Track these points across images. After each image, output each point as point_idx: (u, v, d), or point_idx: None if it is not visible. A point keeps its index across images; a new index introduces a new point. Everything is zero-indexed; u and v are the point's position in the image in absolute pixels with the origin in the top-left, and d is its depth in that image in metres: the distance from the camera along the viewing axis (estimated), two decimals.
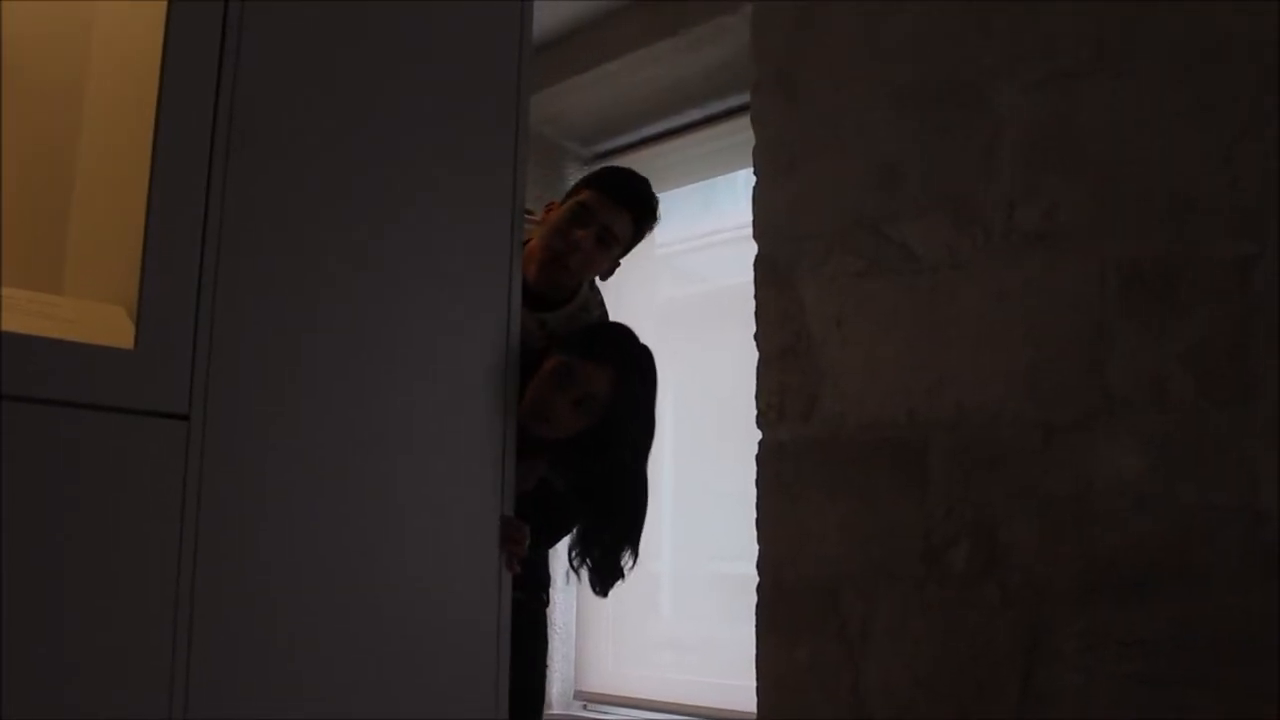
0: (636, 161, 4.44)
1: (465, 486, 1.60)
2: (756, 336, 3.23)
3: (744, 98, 3.67)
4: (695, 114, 4.19)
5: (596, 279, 2.47)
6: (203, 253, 1.34)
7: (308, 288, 1.46)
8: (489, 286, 1.70)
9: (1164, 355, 2.50)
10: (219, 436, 1.33)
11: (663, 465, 3.64)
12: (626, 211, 2.30)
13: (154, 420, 1.29)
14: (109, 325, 1.33)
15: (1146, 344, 2.53)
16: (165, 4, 1.36)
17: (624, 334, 2.24)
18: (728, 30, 3.70)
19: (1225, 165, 2.46)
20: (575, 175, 4.60)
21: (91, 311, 1.37)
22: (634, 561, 2.35)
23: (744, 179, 3.44)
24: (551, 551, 4.25)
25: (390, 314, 1.54)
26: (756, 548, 3.15)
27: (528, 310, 2.03)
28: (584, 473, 2.22)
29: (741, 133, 3.66)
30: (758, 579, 3.14)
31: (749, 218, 3.30)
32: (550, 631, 4.20)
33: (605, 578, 2.32)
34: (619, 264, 2.44)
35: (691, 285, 4.15)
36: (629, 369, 2.16)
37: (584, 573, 2.33)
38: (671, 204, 4.37)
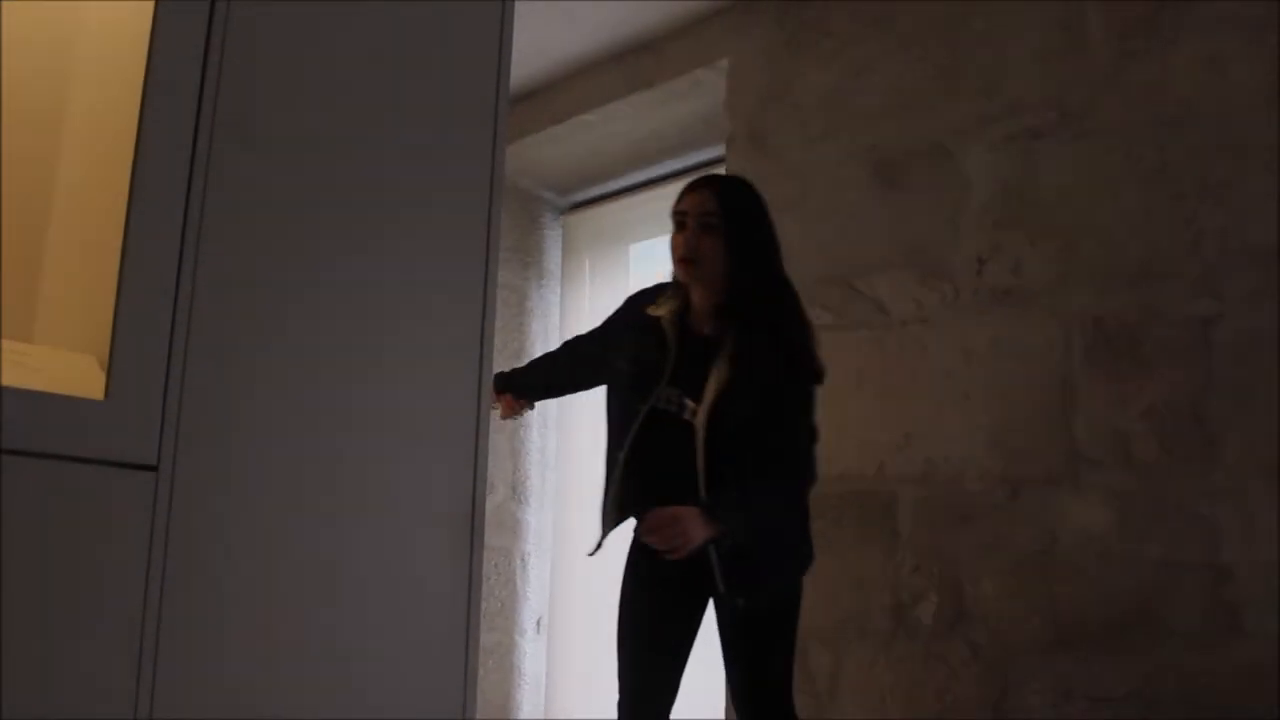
0: (611, 212, 4.48)
1: (436, 548, 1.60)
2: None
3: (718, 151, 3.73)
4: (670, 166, 4.23)
5: None
6: (176, 303, 1.35)
7: (281, 341, 1.46)
8: (463, 339, 1.71)
9: (1128, 413, 2.53)
10: (187, 488, 1.32)
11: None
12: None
13: (122, 471, 1.29)
14: (79, 375, 1.33)
15: (1111, 402, 2.57)
16: (145, 54, 1.37)
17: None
18: (703, 85, 3.75)
19: (1186, 226, 2.51)
20: (551, 225, 4.64)
21: (62, 361, 1.37)
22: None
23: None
24: (520, 598, 4.24)
25: (363, 370, 1.55)
26: None
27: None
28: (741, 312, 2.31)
29: None
30: None
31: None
32: (519, 679, 4.19)
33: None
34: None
35: None
36: (726, 183, 2.50)
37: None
38: (646, 254, 4.43)
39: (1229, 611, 2.34)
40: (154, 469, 1.30)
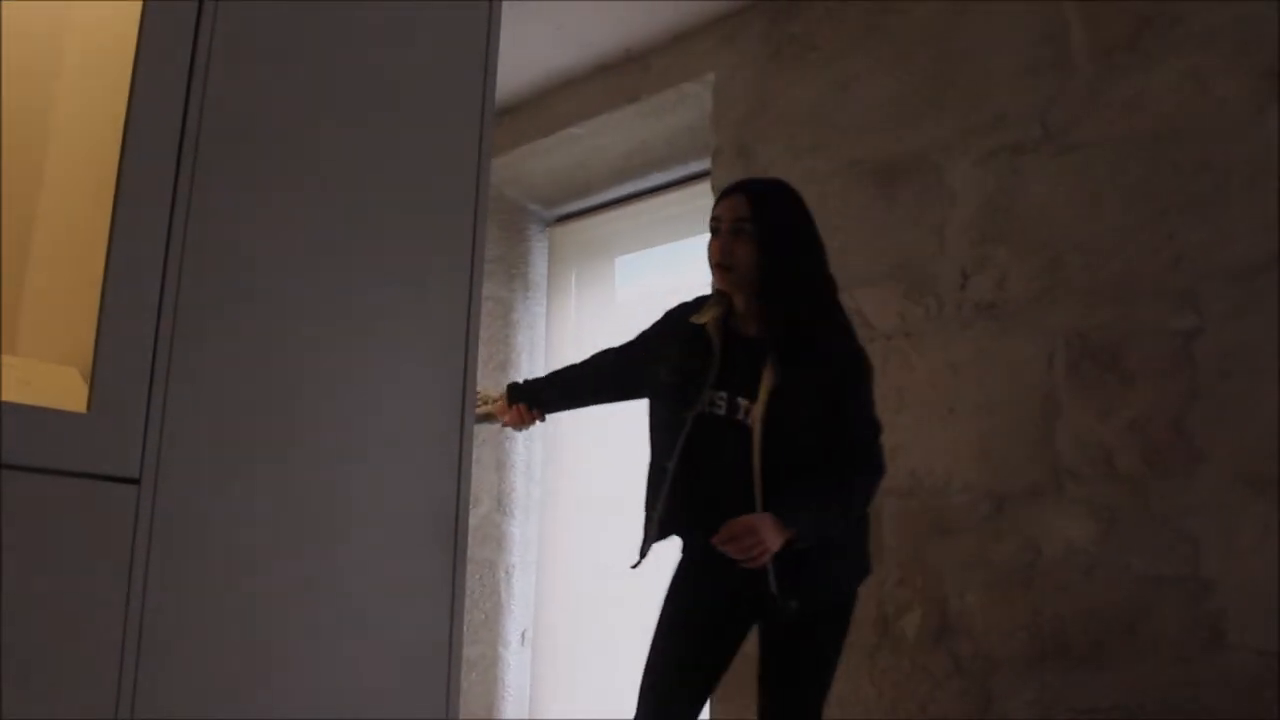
0: (597, 224, 4.49)
1: (418, 562, 1.60)
2: None
3: (705, 164, 3.74)
4: (657, 179, 4.24)
5: None
6: (159, 316, 1.35)
7: (264, 354, 1.46)
8: (446, 350, 1.71)
9: (1111, 427, 2.55)
10: (169, 501, 1.32)
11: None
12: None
13: (104, 484, 1.28)
14: (62, 387, 1.33)
15: (1094, 416, 2.58)
16: (130, 70, 1.37)
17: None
18: (690, 98, 3.77)
19: (1169, 242, 2.53)
20: (537, 236, 4.64)
21: (45, 373, 1.37)
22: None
23: (706, 243, 3.48)
24: (505, 610, 4.23)
25: (346, 381, 1.55)
26: None
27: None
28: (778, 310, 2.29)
29: (703, 198, 3.71)
30: None
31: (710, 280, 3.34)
32: (503, 691, 4.18)
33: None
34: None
35: None
36: (758, 187, 2.46)
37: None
38: (634, 265, 4.44)
39: (1211, 624, 2.35)
40: (136, 482, 1.30)
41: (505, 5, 2.41)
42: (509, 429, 2.71)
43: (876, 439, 2.33)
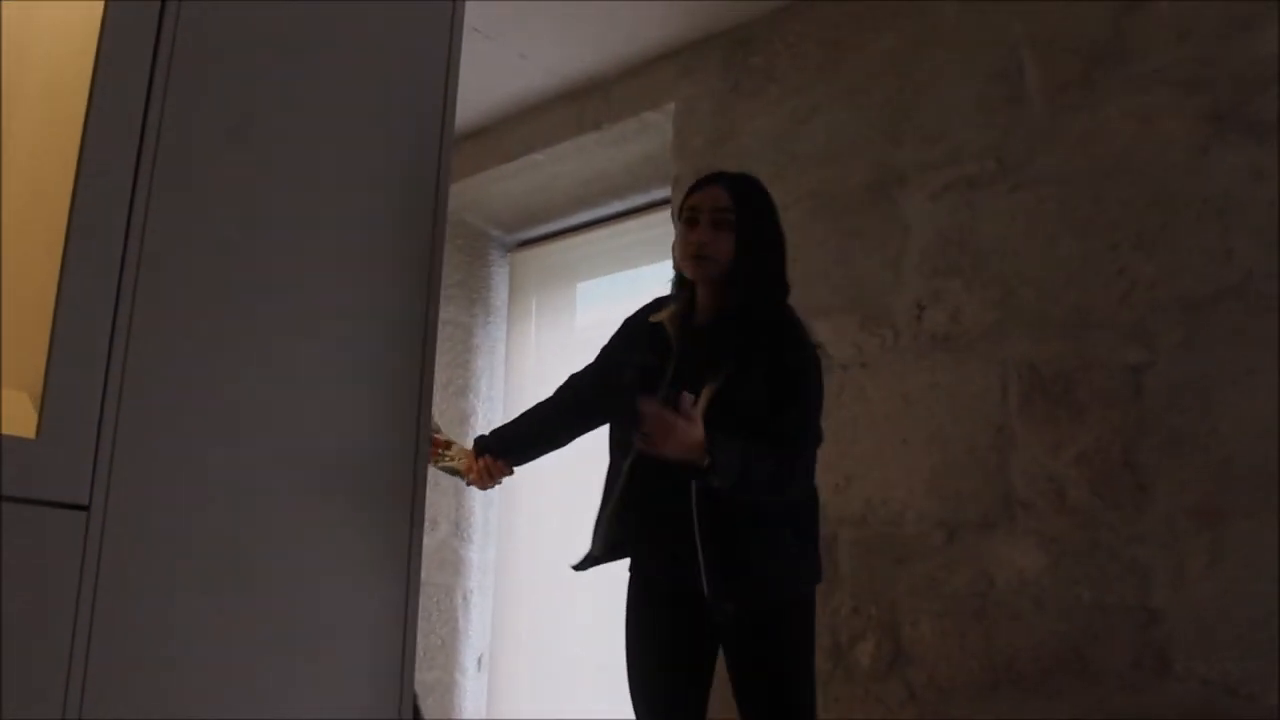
0: (558, 250, 4.51)
1: (370, 585, 1.59)
2: None
3: (665, 192, 3.76)
4: (617, 206, 4.26)
5: None
6: (111, 343, 1.34)
7: (216, 381, 1.46)
8: (402, 374, 1.71)
9: (1062, 458, 2.58)
10: (118, 529, 1.31)
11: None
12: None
13: (53, 511, 1.27)
14: (12, 413, 1.32)
15: (1045, 447, 2.61)
16: (85, 101, 1.37)
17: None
18: (651, 127, 3.80)
19: (1119, 276, 2.57)
20: (498, 262, 4.65)
21: None
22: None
23: (666, 270, 3.50)
24: (461, 635, 4.21)
25: (299, 409, 1.54)
26: None
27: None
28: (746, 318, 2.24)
29: (662, 226, 3.74)
30: None
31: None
32: (459, 717, 4.14)
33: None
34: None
35: None
36: (737, 179, 2.40)
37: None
38: (594, 291, 4.45)
39: (1159, 654, 2.38)
40: (85, 509, 1.29)
41: (468, 31, 2.43)
42: (473, 486, 2.60)
43: (811, 449, 2.27)
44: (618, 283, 4.30)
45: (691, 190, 2.40)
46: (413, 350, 1.71)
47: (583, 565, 2.39)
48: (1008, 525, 2.63)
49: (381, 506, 1.61)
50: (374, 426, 1.63)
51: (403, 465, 1.65)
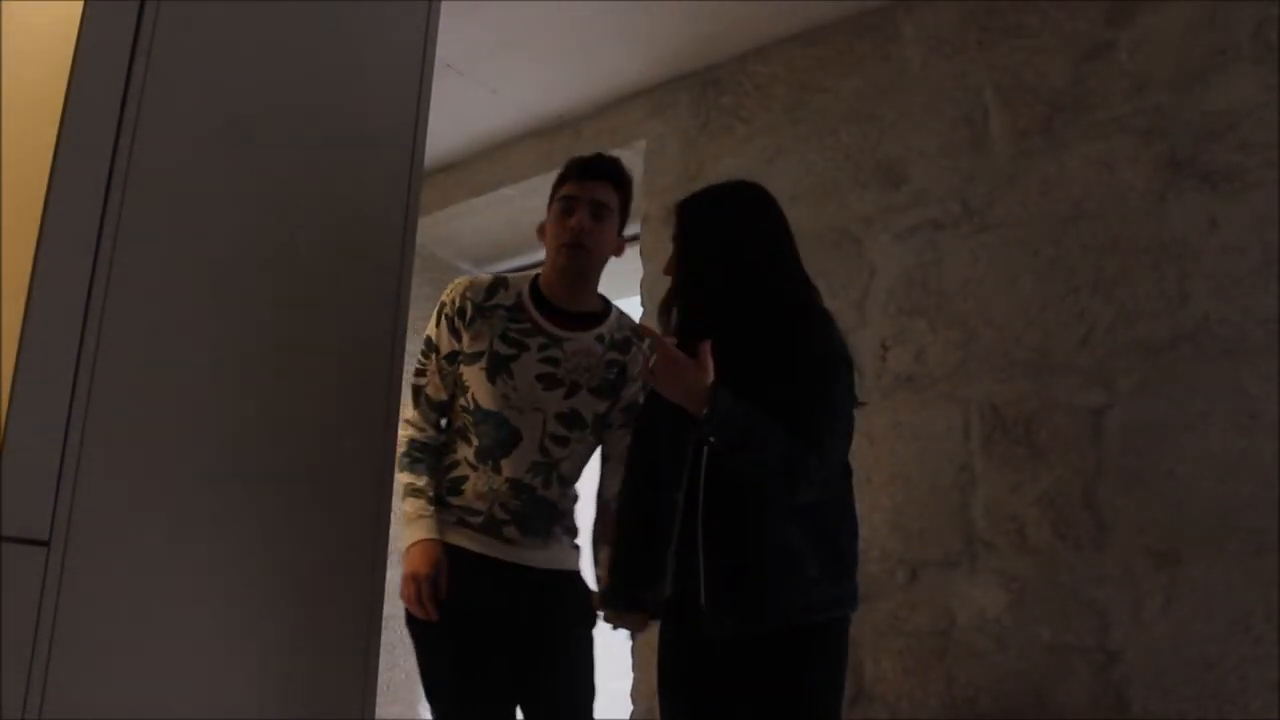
0: None
1: (330, 616, 1.59)
2: None
3: (634, 229, 3.78)
4: None
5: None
6: (75, 380, 1.34)
7: (177, 418, 1.46)
8: (365, 408, 1.72)
9: (1022, 499, 2.61)
10: (78, 563, 1.31)
11: None
12: (604, 181, 2.39)
13: (13, 546, 1.27)
14: None
15: (1006, 487, 2.64)
16: (55, 135, 1.38)
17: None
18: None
19: (1079, 319, 2.62)
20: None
21: None
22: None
23: (633, 307, 3.52)
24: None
25: (262, 440, 1.55)
26: (632, 675, 3.15)
27: (584, 332, 2.33)
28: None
29: (631, 262, 3.75)
30: (630, 707, 3.14)
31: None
32: None
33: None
34: (624, 241, 2.49)
35: None
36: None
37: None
38: None
39: (1116, 693, 2.40)
40: (45, 544, 1.29)
41: (441, 67, 2.45)
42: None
43: (834, 450, 2.05)
44: None
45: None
46: (378, 383, 1.72)
47: (655, 611, 2.14)
48: (969, 564, 2.65)
49: (347, 533, 1.61)
50: (339, 459, 1.64)
51: (368, 496, 1.66)
